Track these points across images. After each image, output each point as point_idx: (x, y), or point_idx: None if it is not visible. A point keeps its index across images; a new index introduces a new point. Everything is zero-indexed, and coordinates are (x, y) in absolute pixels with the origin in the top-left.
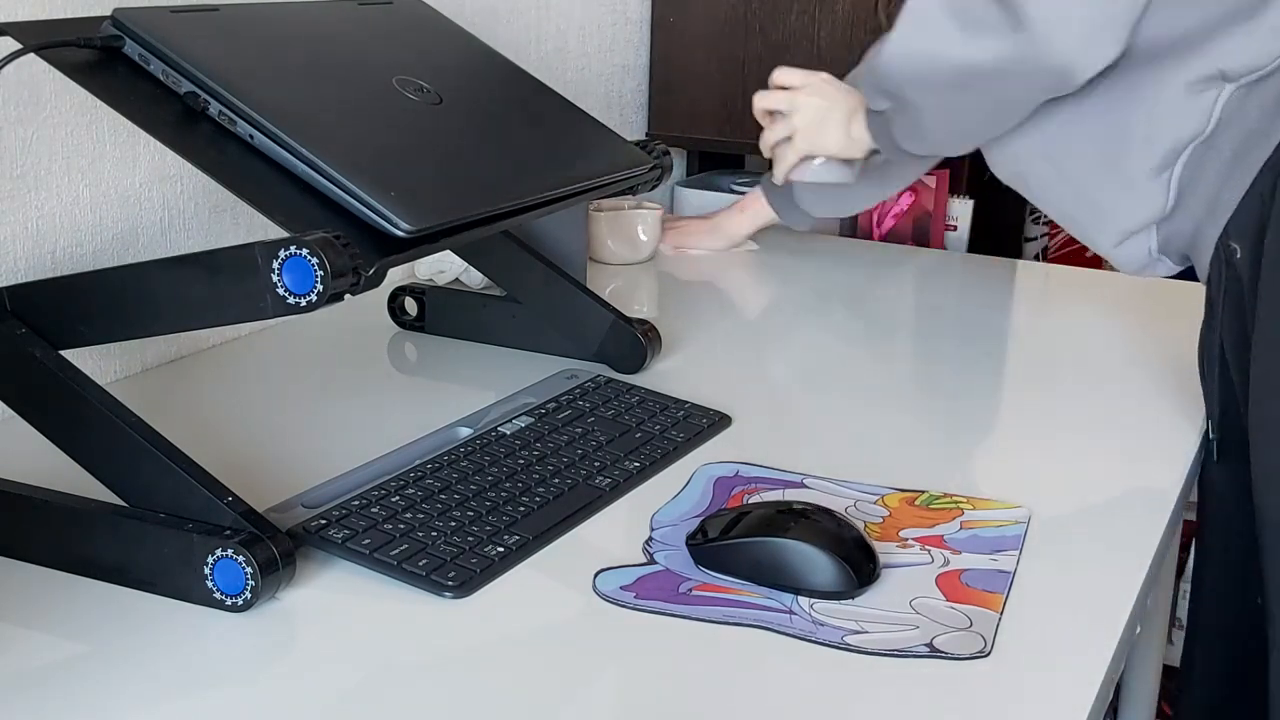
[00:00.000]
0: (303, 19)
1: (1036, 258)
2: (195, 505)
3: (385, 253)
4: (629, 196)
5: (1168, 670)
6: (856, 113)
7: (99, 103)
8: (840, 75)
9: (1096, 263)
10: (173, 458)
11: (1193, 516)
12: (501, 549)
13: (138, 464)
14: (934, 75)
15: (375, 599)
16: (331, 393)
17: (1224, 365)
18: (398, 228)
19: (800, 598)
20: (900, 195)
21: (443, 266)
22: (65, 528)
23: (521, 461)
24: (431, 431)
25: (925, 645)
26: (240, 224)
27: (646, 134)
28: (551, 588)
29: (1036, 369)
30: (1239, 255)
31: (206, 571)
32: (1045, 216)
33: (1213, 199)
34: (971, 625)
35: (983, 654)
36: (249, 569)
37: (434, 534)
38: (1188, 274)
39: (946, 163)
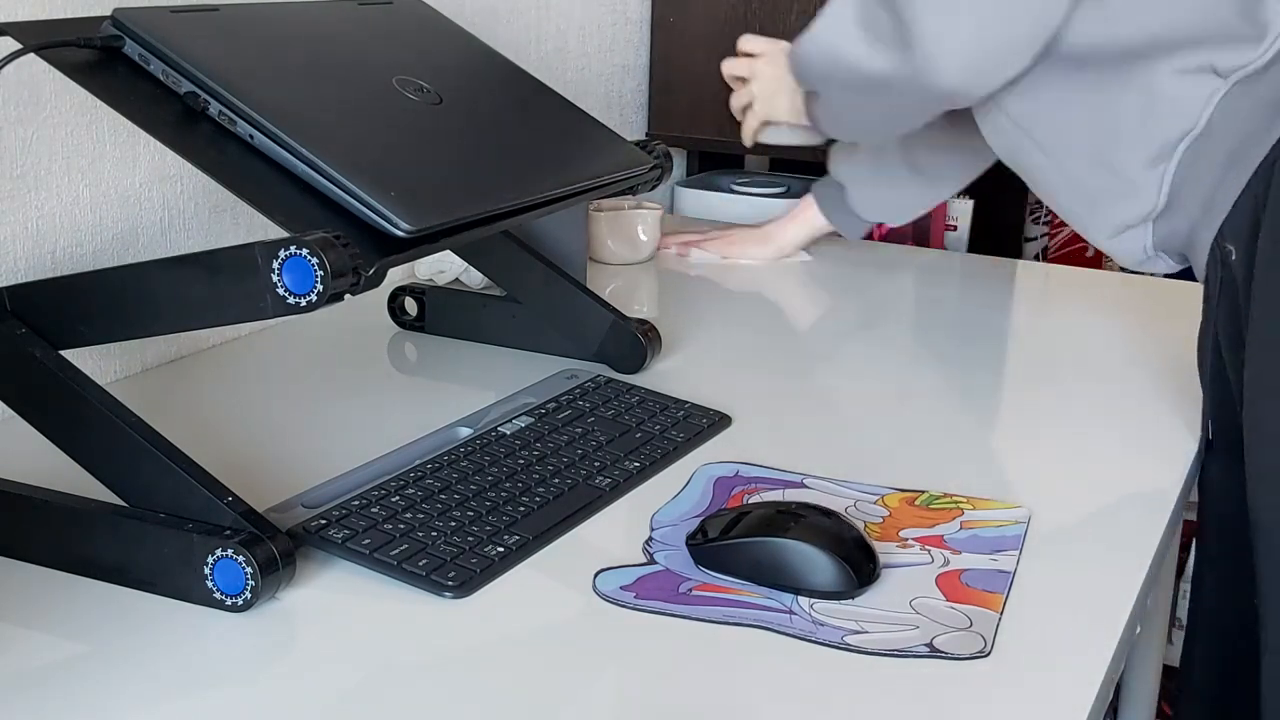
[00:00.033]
0: (303, 19)
1: (1036, 258)
2: (195, 505)
3: (385, 253)
4: (629, 196)
5: (1168, 670)
6: None
7: (99, 103)
8: None
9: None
10: (173, 458)
11: (1193, 516)
12: (501, 549)
13: (138, 464)
14: (836, 73)
15: (375, 599)
16: (331, 393)
17: (1220, 365)
18: (398, 228)
19: (800, 598)
20: None
21: (443, 266)
22: (65, 528)
23: (521, 461)
24: (431, 431)
25: (925, 645)
26: (240, 224)
27: (646, 134)
28: (551, 588)
29: (1036, 369)
30: (1234, 256)
31: (206, 571)
32: (1045, 216)
33: (1207, 199)
34: (971, 625)
35: (983, 654)
36: (249, 569)
37: (434, 534)
38: (1188, 273)
39: None
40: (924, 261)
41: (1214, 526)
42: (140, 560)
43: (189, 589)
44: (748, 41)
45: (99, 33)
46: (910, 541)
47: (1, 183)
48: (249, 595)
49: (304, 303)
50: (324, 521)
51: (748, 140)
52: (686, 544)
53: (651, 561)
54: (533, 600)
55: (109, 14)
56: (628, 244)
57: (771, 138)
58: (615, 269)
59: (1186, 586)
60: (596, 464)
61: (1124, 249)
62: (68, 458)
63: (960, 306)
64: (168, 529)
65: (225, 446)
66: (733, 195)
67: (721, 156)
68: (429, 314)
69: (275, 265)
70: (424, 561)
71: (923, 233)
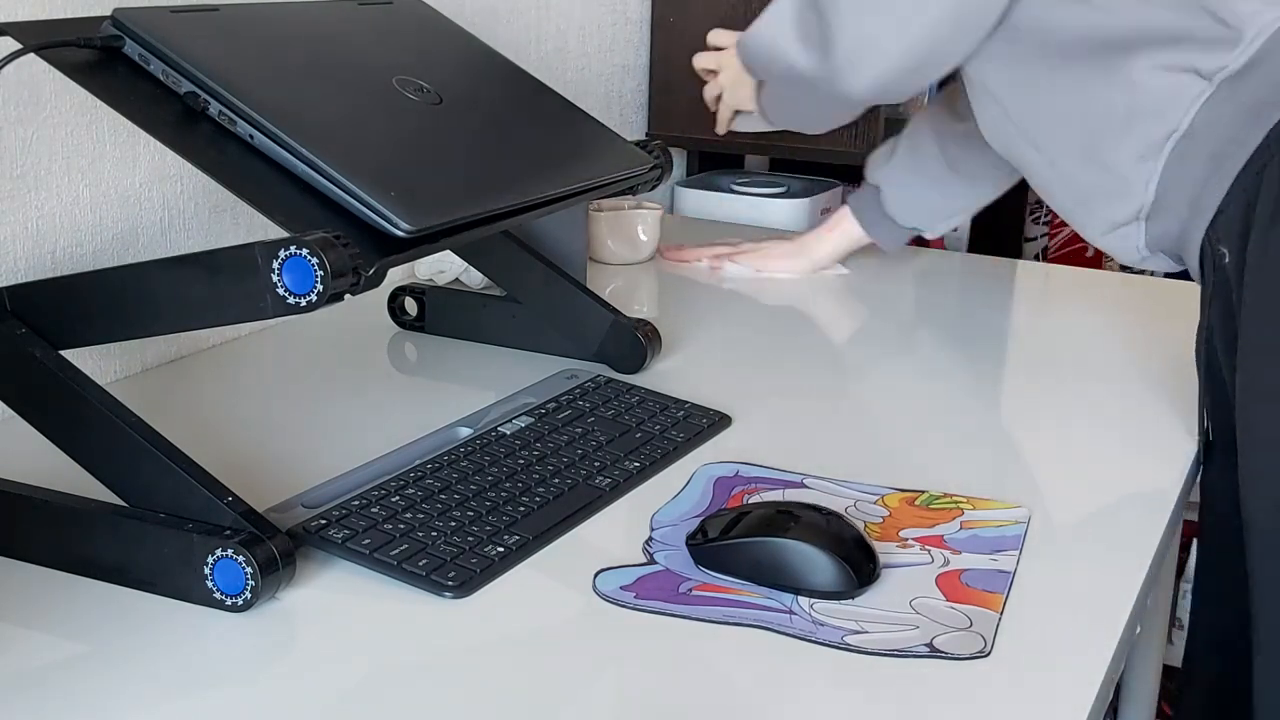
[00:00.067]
0: (303, 19)
1: (1036, 258)
2: (195, 505)
3: (385, 253)
4: (629, 196)
5: (1168, 670)
6: None
7: (99, 103)
8: None
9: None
10: (173, 458)
11: (1193, 516)
12: (501, 549)
13: (138, 464)
14: (772, 64)
15: (375, 599)
16: (331, 393)
17: (1217, 366)
18: (398, 228)
19: (800, 598)
20: None
21: (443, 266)
22: (65, 528)
23: (521, 461)
24: (431, 431)
25: (925, 645)
26: (240, 224)
27: (646, 134)
28: (551, 588)
29: (1036, 369)
30: (1227, 259)
31: (206, 571)
32: (1045, 216)
33: (1194, 200)
34: (971, 625)
35: (983, 654)
36: (249, 569)
37: (434, 534)
38: (1188, 273)
39: None
40: (924, 261)
41: (1214, 526)
42: (140, 560)
43: (189, 589)
44: (716, 35)
45: (99, 33)
46: (910, 541)
47: (1, 183)
48: (249, 595)
49: (304, 303)
50: (324, 521)
51: (721, 129)
52: (686, 544)
53: (651, 561)
54: (533, 600)
55: (109, 14)
56: (628, 244)
57: (742, 125)
58: (615, 269)
59: (1186, 586)
60: (596, 464)
61: (1118, 247)
62: (68, 458)
63: (960, 306)
64: (168, 529)
65: (225, 446)
66: (733, 195)
67: (721, 156)
68: (429, 314)
69: (275, 265)
70: (424, 561)
71: None
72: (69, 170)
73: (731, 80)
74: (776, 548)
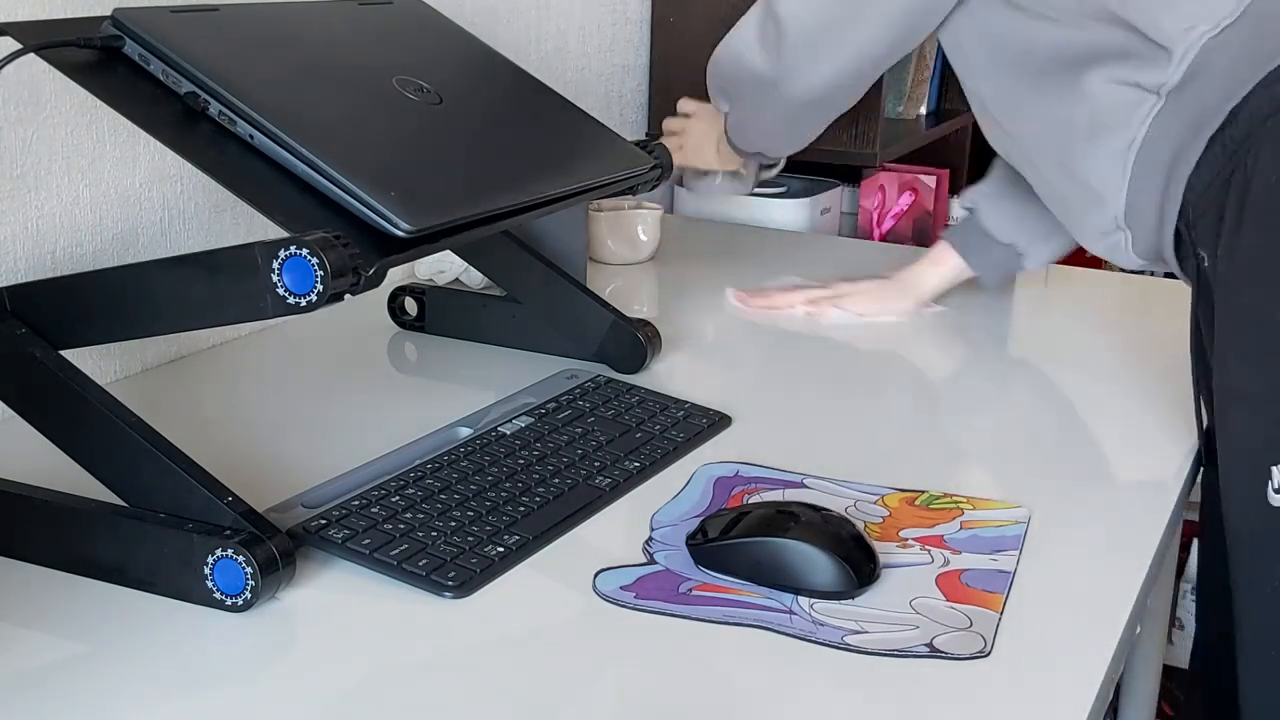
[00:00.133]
0: (303, 19)
1: None
2: (195, 505)
3: (385, 253)
4: (629, 196)
5: (1168, 670)
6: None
7: (99, 103)
8: None
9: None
10: (173, 458)
11: (1193, 516)
12: (501, 549)
13: (138, 464)
14: (739, 73)
15: (375, 599)
16: (331, 393)
17: (1208, 367)
18: (398, 228)
19: (800, 598)
20: (900, 195)
21: (443, 266)
22: (65, 528)
23: (521, 461)
24: (431, 431)
25: (925, 645)
26: (240, 224)
27: (646, 134)
28: (551, 588)
29: (1036, 369)
30: (1206, 263)
31: (206, 571)
32: None
33: (1160, 210)
34: (971, 625)
35: (983, 654)
36: (249, 569)
37: (434, 534)
38: None
39: (947, 162)
40: None
41: (1214, 526)
42: (140, 560)
43: (189, 589)
44: (683, 104)
45: (99, 33)
46: (910, 541)
47: (1, 183)
48: (249, 595)
49: (304, 303)
50: (324, 521)
51: (688, 188)
52: (686, 544)
53: (651, 561)
54: (533, 600)
55: (109, 14)
56: (628, 244)
57: (703, 188)
58: (615, 269)
59: (1187, 586)
60: (596, 464)
61: (1111, 253)
62: (68, 458)
63: (960, 306)
64: (168, 529)
65: (225, 446)
66: (739, 173)
67: None
68: (429, 314)
69: (275, 265)
70: (424, 561)
71: (923, 233)
72: (69, 170)
73: (694, 143)
74: (776, 548)
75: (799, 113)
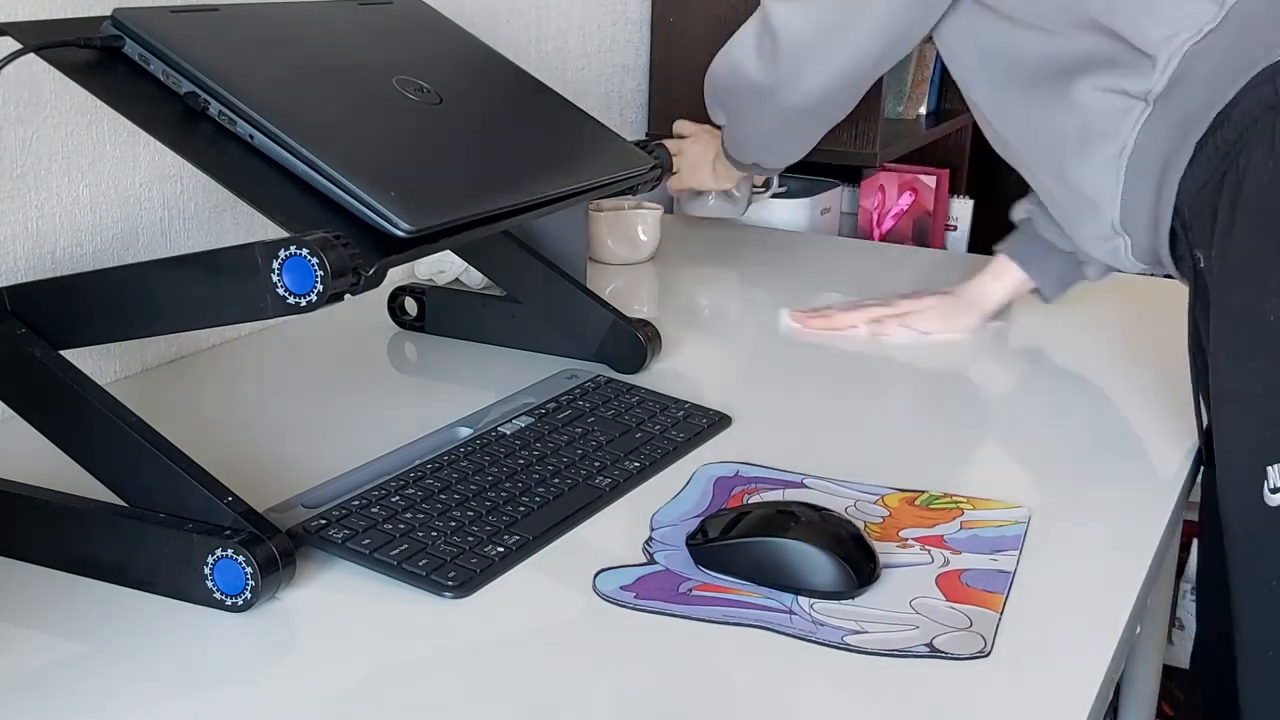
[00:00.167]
0: (303, 19)
1: None
2: (195, 505)
3: (385, 253)
4: (629, 196)
5: (1168, 670)
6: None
7: (99, 103)
8: None
9: None
10: (173, 458)
11: (1193, 516)
12: (501, 549)
13: (138, 464)
14: (737, 83)
15: (375, 599)
16: (331, 393)
17: (1207, 369)
18: (398, 228)
19: (800, 598)
20: (900, 195)
21: (443, 266)
22: (65, 528)
23: (521, 461)
24: (431, 431)
25: (925, 645)
26: (240, 224)
27: (646, 134)
28: (551, 588)
29: (1036, 369)
30: (1202, 264)
31: (206, 571)
32: None
33: (1153, 214)
34: (971, 625)
35: (983, 654)
36: (249, 569)
37: (434, 534)
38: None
39: (947, 162)
40: (924, 261)
41: (1214, 526)
42: (140, 560)
43: (189, 589)
44: (680, 125)
45: (99, 33)
46: (910, 541)
47: (1, 183)
48: (249, 595)
49: (304, 303)
50: (324, 521)
51: (684, 208)
52: (686, 544)
53: (651, 561)
54: (533, 600)
55: (109, 14)
56: (628, 244)
57: (699, 209)
58: (615, 269)
59: (1187, 586)
60: (596, 464)
61: (1112, 258)
62: (68, 458)
63: None
64: (168, 529)
65: (225, 446)
66: (733, 195)
67: None
68: (429, 314)
69: (275, 265)
70: (424, 561)
71: (923, 233)
72: (69, 170)
73: (691, 163)
74: (776, 548)
75: (795, 120)
